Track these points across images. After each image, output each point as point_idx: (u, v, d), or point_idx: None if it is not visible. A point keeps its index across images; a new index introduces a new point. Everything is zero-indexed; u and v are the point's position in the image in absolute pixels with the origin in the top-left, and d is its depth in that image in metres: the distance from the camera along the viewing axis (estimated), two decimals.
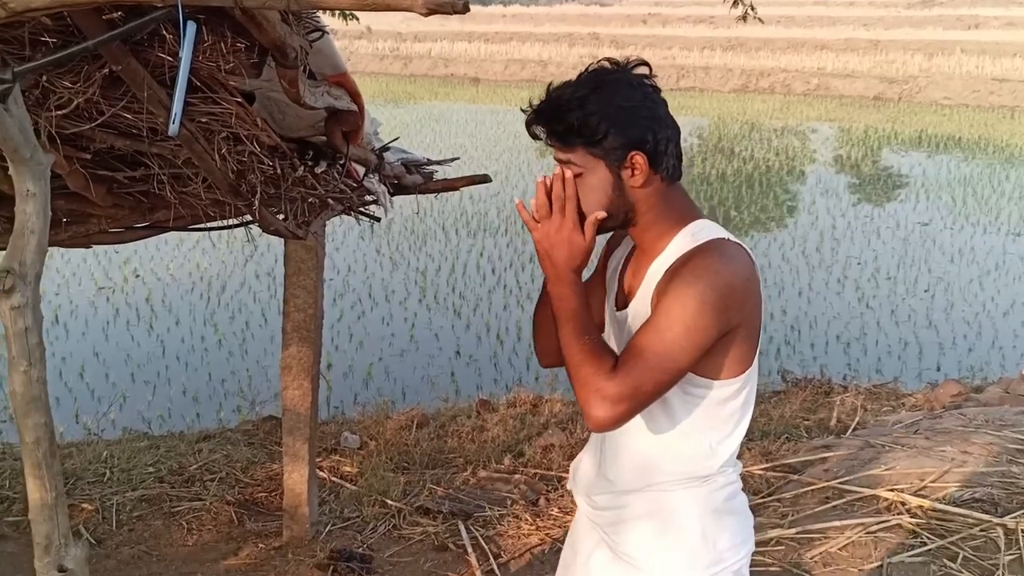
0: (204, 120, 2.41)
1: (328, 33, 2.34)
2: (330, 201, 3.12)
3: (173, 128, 1.70)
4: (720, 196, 15.67)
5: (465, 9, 1.74)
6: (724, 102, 29.72)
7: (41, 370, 1.85)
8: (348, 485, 4.81)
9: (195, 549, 4.25)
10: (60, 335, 9.02)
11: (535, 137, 1.84)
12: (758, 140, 21.96)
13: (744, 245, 1.83)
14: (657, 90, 1.84)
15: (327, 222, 4.09)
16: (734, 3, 6.90)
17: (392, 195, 3.89)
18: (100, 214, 3.24)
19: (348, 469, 5.02)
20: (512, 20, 44.36)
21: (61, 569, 1.90)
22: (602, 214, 1.80)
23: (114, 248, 11.08)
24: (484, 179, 4.07)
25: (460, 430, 5.62)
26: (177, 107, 1.69)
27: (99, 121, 2.34)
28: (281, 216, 3.19)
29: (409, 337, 9.18)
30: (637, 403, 1.71)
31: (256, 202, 2.76)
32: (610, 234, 2.05)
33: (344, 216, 3.89)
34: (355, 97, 2.72)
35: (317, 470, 4.89)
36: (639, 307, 1.86)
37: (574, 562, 2.12)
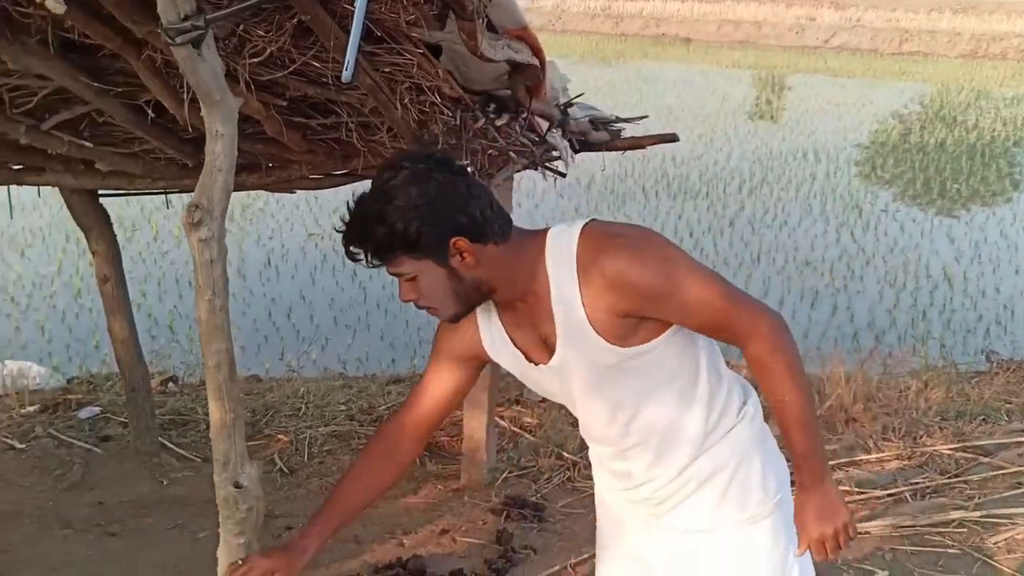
0: (388, 70, 2.51)
1: None
2: (511, 154, 3.18)
3: (346, 75, 1.78)
4: (937, 166, 14.90)
5: None
6: (950, 68, 28.14)
7: (224, 299, 1.98)
8: (527, 435, 4.91)
9: None
10: (271, 277, 9.53)
11: (356, 260, 1.82)
12: (984, 109, 20.68)
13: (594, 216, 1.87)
14: (445, 164, 1.80)
15: (518, 177, 4.16)
16: None
17: (578, 151, 3.92)
18: (297, 159, 3.42)
19: (529, 420, 5.12)
20: None
21: (236, 485, 2.05)
22: None
23: (325, 196, 11.62)
24: (672, 138, 4.04)
25: None
26: (351, 54, 1.77)
27: (291, 69, 2.47)
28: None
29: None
30: (758, 304, 1.82)
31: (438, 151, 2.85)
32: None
33: (546, 174, 3.95)
34: (536, 52, 2.75)
35: (498, 419, 5.02)
36: (576, 340, 1.82)
37: (620, 550, 2.15)
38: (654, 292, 1.73)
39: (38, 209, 10.21)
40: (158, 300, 8.74)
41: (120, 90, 2.79)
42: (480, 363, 2.06)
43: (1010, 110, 20.44)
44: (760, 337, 1.77)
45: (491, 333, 1.97)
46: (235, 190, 4.11)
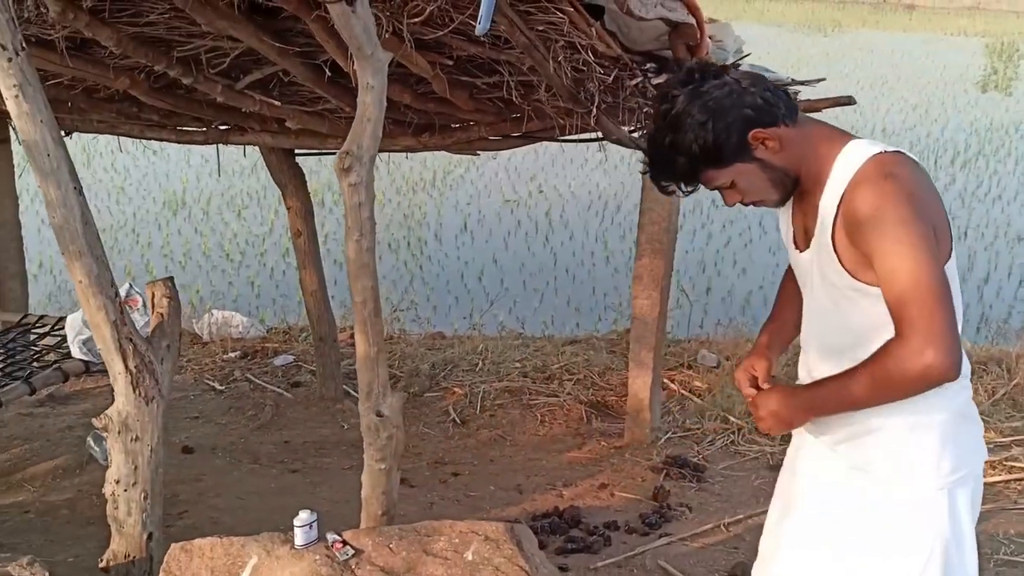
0: (541, 28, 2.60)
1: None
2: None
3: (480, 28, 1.88)
4: None
5: None
6: None
7: (371, 240, 2.14)
8: (695, 399, 4.94)
9: (544, 439, 4.60)
10: (466, 241, 9.81)
11: (670, 193, 1.92)
12: None
13: (903, 150, 1.80)
14: (705, 71, 1.82)
15: None
16: None
17: None
18: (467, 119, 3.56)
19: (698, 384, 5.14)
20: None
21: (379, 414, 2.21)
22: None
23: (524, 164, 11.85)
24: (848, 101, 3.95)
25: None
26: (485, 7, 1.87)
27: (450, 27, 2.60)
28: (626, 128, 3.34)
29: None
30: (946, 334, 1.67)
31: (594, 109, 2.92)
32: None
33: None
34: (693, 10, 2.78)
35: (669, 382, 5.07)
36: (821, 244, 1.86)
37: (792, 483, 2.12)
38: (866, 240, 1.74)
39: (255, 173, 10.86)
40: None
41: (300, 50, 2.99)
42: None
43: None
44: (910, 350, 1.69)
45: (787, 209, 2.03)
46: (417, 150, 4.34)
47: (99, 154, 11.67)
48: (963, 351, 1.79)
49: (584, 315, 8.10)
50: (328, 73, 3.09)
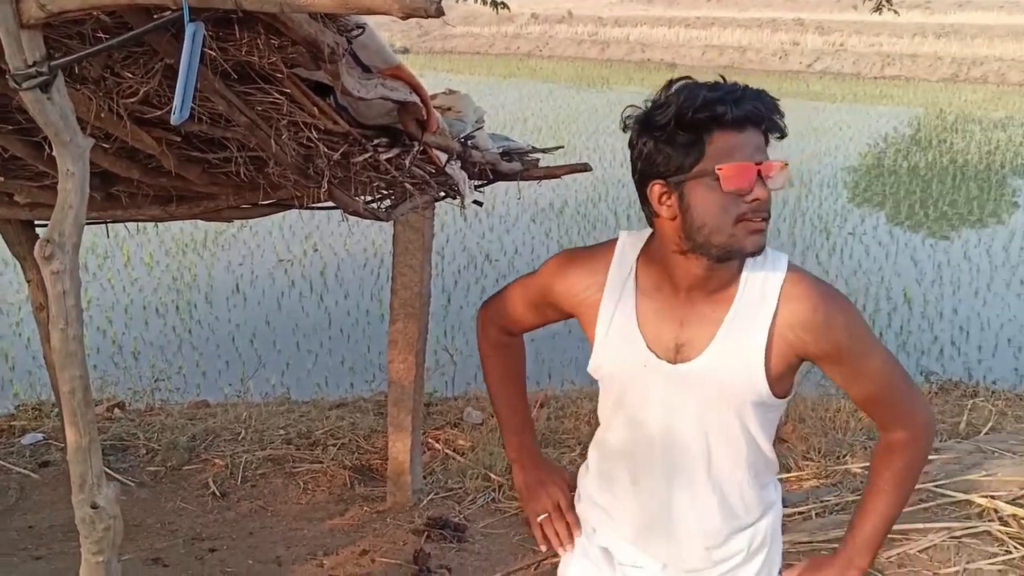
0: (261, 108, 2.62)
1: (369, 29, 2.49)
2: (407, 185, 3.29)
3: (175, 117, 1.89)
4: (907, 189, 15.05)
5: (439, 13, 1.86)
6: (931, 92, 28.36)
7: (78, 329, 2.09)
8: (458, 458, 5.01)
9: (306, 507, 4.55)
10: (238, 303, 9.63)
11: (720, 107, 1.65)
12: (960, 132, 20.85)
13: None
14: None
15: (490, 199, 4.24)
16: None
17: (491, 181, 4.04)
18: (206, 191, 3.53)
19: (462, 443, 5.22)
20: (716, 5, 43.64)
21: (93, 506, 2.15)
22: None
23: (297, 223, 11.76)
24: (584, 168, 4.16)
25: (579, 412, 5.72)
26: (178, 99, 1.88)
27: (169, 107, 2.58)
28: (365, 199, 3.40)
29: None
30: (930, 414, 1.85)
31: (324, 184, 2.97)
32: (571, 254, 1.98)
33: (518, 198, 4.06)
34: (415, 89, 2.87)
35: (434, 441, 5.12)
36: (733, 358, 1.74)
37: None
38: (848, 348, 1.73)
39: None
40: (124, 327, 8.84)
41: (15, 127, 2.90)
42: (561, 317, 2.01)
43: (984, 133, 20.59)
44: (913, 427, 1.80)
45: (616, 308, 1.83)
46: (165, 219, 4.24)
47: None
48: None
49: (358, 375, 8.10)
50: (47, 150, 3.00)
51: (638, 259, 1.84)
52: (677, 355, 1.78)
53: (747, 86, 1.69)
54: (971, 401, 5.67)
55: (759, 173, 1.65)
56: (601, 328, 1.84)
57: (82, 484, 2.14)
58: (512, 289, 2.07)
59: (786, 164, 1.68)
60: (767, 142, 1.70)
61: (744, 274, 1.75)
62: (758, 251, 1.69)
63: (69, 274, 2.05)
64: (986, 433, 5.04)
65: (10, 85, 1.96)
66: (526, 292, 2.03)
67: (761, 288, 1.73)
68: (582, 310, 1.89)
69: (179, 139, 2.98)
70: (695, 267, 1.73)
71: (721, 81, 1.70)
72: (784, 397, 1.80)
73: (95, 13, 2.15)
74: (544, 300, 1.98)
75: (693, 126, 1.65)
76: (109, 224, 4.31)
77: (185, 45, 1.85)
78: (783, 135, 1.71)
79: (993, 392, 6.21)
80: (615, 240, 1.89)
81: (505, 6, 7.17)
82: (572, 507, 2.11)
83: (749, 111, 1.65)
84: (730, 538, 1.90)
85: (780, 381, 1.76)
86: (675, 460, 1.84)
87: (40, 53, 1.97)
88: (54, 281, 2.05)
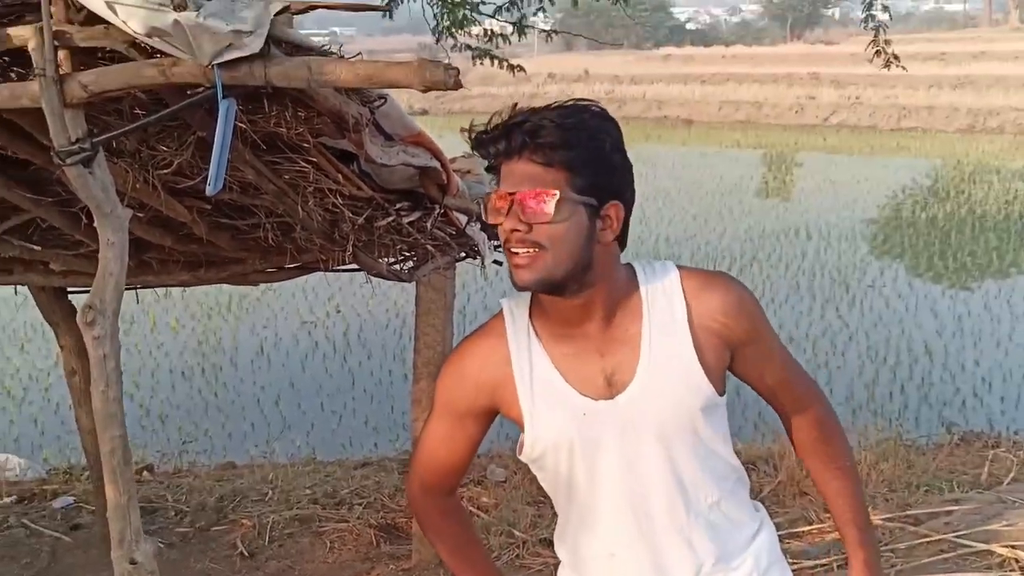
0: (288, 177, 2.74)
1: (391, 99, 2.61)
2: (429, 247, 3.39)
3: (210, 189, 2.00)
4: (926, 240, 15.11)
5: (457, 86, 1.97)
6: (947, 143, 28.52)
7: (117, 391, 2.18)
8: (482, 515, 5.05)
9: (333, 566, 4.60)
10: (263, 365, 9.76)
11: (483, 148, 1.61)
12: (978, 182, 20.93)
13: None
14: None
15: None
16: (876, 52, 6.74)
17: None
18: (234, 257, 3.65)
19: (486, 500, 5.26)
20: (731, 61, 44.05)
21: (132, 561, 2.23)
22: None
23: (320, 285, 11.90)
24: None
25: None
26: (213, 171, 1.99)
27: (201, 177, 2.70)
28: (388, 261, 3.51)
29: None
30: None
31: (349, 247, 3.08)
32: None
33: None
34: (436, 154, 2.98)
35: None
36: (672, 373, 1.66)
37: None
38: (760, 324, 1.72)
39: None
40: (151, 391, 8.96)
41: (55, 199, 3.03)
42: (487, 423, 1.81)
43: (1003, 184, 20.66)
44: (820, 396, 1.82)
45: (531, 370, 1.70)
46: (194, 284, 4.36)
47: None
48: None
49: (382, 434, 8.19)
50: (85, 220, 3.13)
51: (531, 314, 1.73)
52: (611, 388, 1.67)
53: (518, 113, 1.59)
54: (992, 452, 5.68)
55: (512, 203, 1.57)
56: (525, 399, 1.69)
57: (121, 540, 2.22)
58: (425, 437, 1.86)
59: (548, 192, 1.54)
60: (569, 166, 1.57)
61: (642, 286, 1.69)
62: (520, 285, 1.58)
63: (110, 339, 2.16)
64: (1008, 484, 5.05)
65: (55, 161, 2.08)
66: (439, 427, 1.82)
67: (663, 293, 1.68)
68: (498, 393, 1.73)
69: (209, 207, 3.10)
70: (561, 303, 1.65)
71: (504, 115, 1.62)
72: (723, 395, 1.73)
73: (132, 91, 2.28)
74: (459, 415, 1.79)
75: (488, 163, 1.64)
76: (138, 290, 4.44)
77: (219, 120, 1.96)
78: (557, 148, 1.55)
79: (1015, 443, 6.22)
80: (500, 311, 1.77)
81: (521, 68, 7.31)
82: None
83: (504, 146, 1.58)
84: (735, 562, 1.77)
85: (718, 379, 1.69)
86: (649, 507, 1.71)
87: (82, 130, 2.09)
88: (95, 346, 2.15)
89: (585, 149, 1.57)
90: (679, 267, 1.72)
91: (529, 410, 1.69)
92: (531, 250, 1.56)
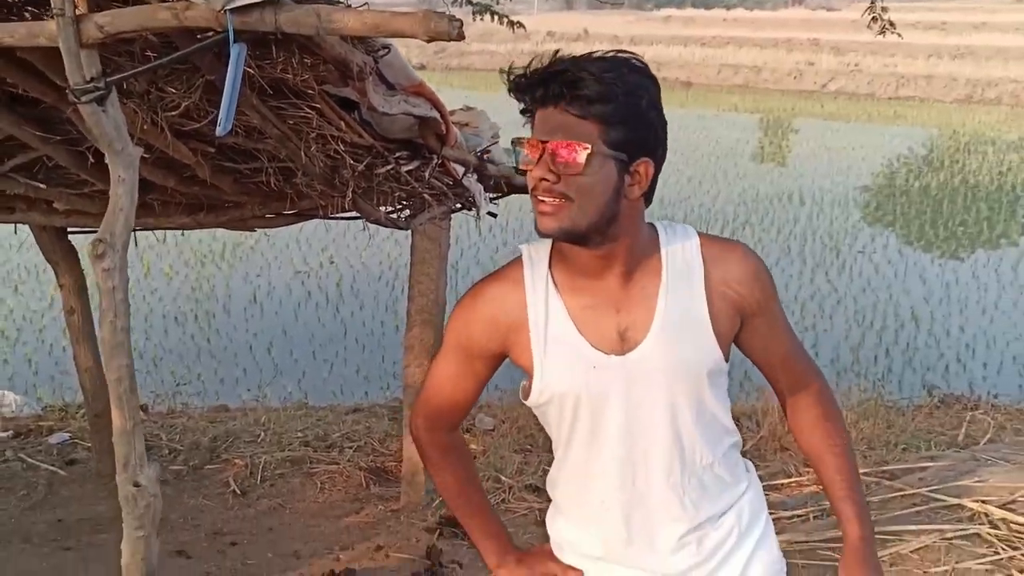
0: (293, 122, 2.82)
1: (394, 49, 2.69)
2: (426, 196, 3.48)
3: (219, 130, 2.08)
4: (919, 208, 15.21)
5: (460, 37, 2.05)
6: (944, 113, 28.52)
7: (125, 321, 2.28)
8: None
9: (323, 506, 4.73)
10: (256, 313, 9.84)
11: (520, 93, 1.62)
12: (973, 153, 20.99)
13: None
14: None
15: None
16: (872, 18, 6.78)
17: (505, 194, 4.23)
18: (235, 200, 3.73)
19: (474, 447, 5.38)
20: (731, 24, 43.89)
21: (136, 484, 2.34)
22: None
23: (315, 235, 11.97)
24: None
25: None
26: (223, 114, 2.07)
27: (208, 120, 2.79)
28: (386, 209, 3.60)
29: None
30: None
31: (349, 193, 3.16)
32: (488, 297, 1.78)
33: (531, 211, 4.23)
34: (436, 105, 3.06)
35: None
36: (683, 335, 1.70)
37: None
38: (772, 296, 1.77)
39: (34, 247, 10.57)
40: (144, 335, 9.05)
41: (63, 138, 3.10)
42: (495, 366, 1.83)
43: (999, 155, 20.70)
44: (819, 373, 1.87)
45: (547, 318, 1.72)
46: (193, 227, 4.44)
47: None
48: None
49: (373, 383, 8.29)
50: (91, 159, 3.21)
51: (550, 262, 1.74)
52: (623, 344, 1.69)
53: (558, 61, 1.60)
54: (971, 414, 5.82)
55: (544, 152, 1.58)
56: (537, 346, 1.71)
57: (126, 464, 2.33)
58: (433, 374, 1.89)
59: (580, 144, 1.56)
60: (600, 118, 1.58)
61: (662, 245, 1.72)
62: (544, 232, 1.62)
63: (119, 271, 2.25)
64: (984, 444, 5.19)
65: (70, 99, 2.16)
66: (448, 363, 1.84)
67: (683, 255, 1.71)
68: (511, 338, 1.74)
69: (213, 150, 3.18)
70: (583, 254, 1.67)
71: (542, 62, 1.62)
72: (727, 357, 1.77)
73: (144, 34, 2.36)
74: (470, 355, 1.81)
75: (523, 106, 1.65)
76: (136, 231, 4.53)
77: (231, 63, 2.04)
78: (593, 101, 1.56)
79: (994, 406, 6.35)
80: (519, 257, 1.78)
81: (521, 25, 7.31)
82: (568, 568, 1.93)
83: (540, 94, 1.60)
84: (719, 522, 1.83)
85: (726, 345, 1.74)
86: (647, 463, 1.75)
87: (97, 70, 2.17)
88: (105, 277, 2.24)
89: (621, 104, 1.57)
90: (700, 233, 1.75)
91: (540, 359, 1.71)
92: (558, 200, 1.59)
